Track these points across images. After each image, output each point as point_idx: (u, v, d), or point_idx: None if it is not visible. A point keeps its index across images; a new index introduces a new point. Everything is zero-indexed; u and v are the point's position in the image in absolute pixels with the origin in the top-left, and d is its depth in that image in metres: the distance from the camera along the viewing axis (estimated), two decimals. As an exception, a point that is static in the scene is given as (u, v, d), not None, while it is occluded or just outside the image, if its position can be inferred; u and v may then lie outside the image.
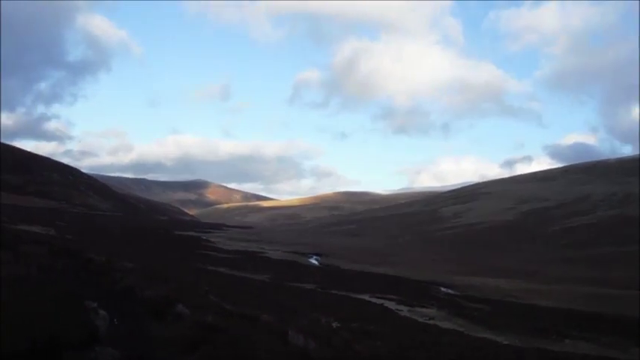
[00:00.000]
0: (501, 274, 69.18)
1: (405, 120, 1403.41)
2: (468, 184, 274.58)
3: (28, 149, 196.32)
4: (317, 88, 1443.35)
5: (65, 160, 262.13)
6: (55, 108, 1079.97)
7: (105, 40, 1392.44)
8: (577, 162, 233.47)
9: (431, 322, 32.63)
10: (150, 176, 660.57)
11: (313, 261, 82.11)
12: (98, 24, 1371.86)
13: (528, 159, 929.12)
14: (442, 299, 44.96)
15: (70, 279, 12.60)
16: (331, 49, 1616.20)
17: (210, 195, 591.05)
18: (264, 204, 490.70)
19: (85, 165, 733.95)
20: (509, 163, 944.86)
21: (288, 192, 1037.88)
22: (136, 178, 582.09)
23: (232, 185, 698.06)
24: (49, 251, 18.27)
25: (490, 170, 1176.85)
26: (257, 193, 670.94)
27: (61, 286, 9.14)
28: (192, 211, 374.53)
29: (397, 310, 36.61)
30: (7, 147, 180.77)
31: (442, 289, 55.02)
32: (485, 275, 68.42)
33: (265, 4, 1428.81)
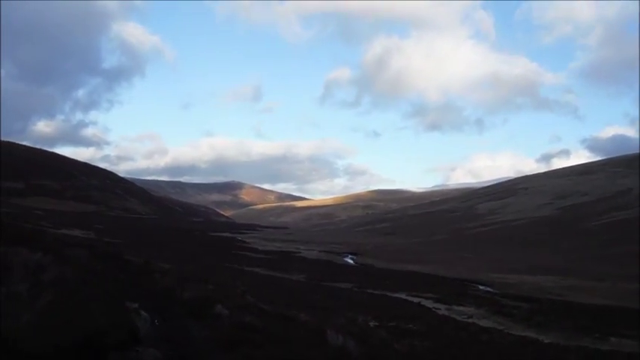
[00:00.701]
0: (540, 272, 67.77)
1: (438, 117, 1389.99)
2: (503, 180, 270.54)
3: (67, 155, 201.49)
4: (348, 86, 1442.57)
5: (103, 165, 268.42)
6: (93, 114, 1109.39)
7: (138, 46, 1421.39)
8: (617, 155, 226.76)
9: (470, 320, 32.14)
10: (185, 179, 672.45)
11: (348, 260, 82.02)
12: (132, 30, 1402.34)
13: (566, 153, 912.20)
14: (480, 297, 44.27)
15: (110, 280, 12.81)
16: (361, 47, 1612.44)
17: (245, 196, 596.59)
18: (298, 204, 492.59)
19: (121, 169, 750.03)
20: (546, 158, 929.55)
21: (321, 191, 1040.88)
22: (171, 181, 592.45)
23: (266, 186, 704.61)
24: (90, 254, 18.63)
25: (526, 165, 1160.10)
26: (291, 193, 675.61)
27: (102, 288, 9.27)
28: (227, 213, 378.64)
29: (435, 308, 36.22)
30: (47, 153, 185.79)
31: (480, 287, 54.23)
32: (524, 272, 67.15)
33: (294, 4, 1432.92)
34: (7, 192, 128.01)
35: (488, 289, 52.94)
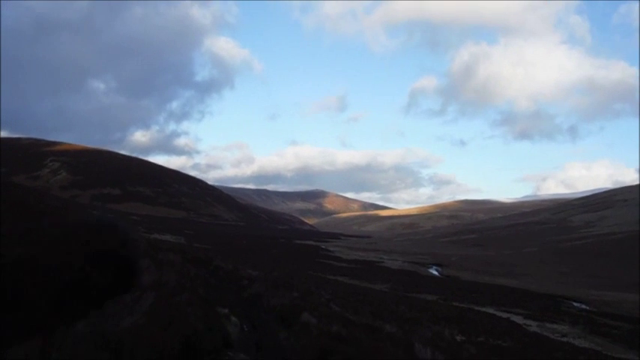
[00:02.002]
0: (642, 289, 63.37)
1: (528, 125, 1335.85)
2: (600, 191, 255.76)
3: (161, 164, 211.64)
4: (434, 95, 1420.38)
5: (193, 173, 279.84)
6: (185, 125, 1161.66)
7: (229, 59, 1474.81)
8: None
9: (564, 339, 30.49)
10: (270, 187, 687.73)
11: (433, 271, 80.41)
12: (223, 45, 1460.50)
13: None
14: (575, 315, 41.91)
15: (202, 285, 13.20)
16: (448, 55, 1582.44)
17: (329, 204, 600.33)
18: (382, 213, 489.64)
19: (210, 177, 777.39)
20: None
21: (405, 201, 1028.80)
22: (257, 189, 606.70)
23: (350, 195, 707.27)
24: (182, 259, 19.36)
25: (626, 175, 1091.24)
26: (374, 202, 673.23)
27: (195, 292, 9.56)
28: (310, 221, 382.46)
29: (525, 325, 34.66)
30: (142, 162, 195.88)
31: (574, 303, 51.43)
32: (623, 290, 63.05)
33: (381, 14, 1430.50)
34: (105, 197, 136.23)
35: (584, 306, 50.09)
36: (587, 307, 49.22)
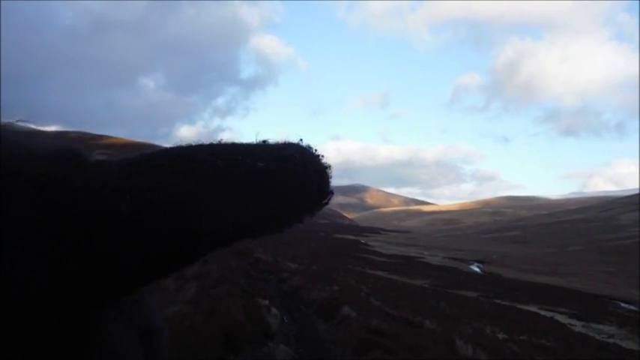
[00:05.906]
0: (695, 291, 61.00)
1: (573, 121, 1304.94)
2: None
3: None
4: (477, 91, 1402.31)
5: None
6: (229, 120, 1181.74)
7: (274, 57, 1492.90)
8: None
9: (610, 340, 29.58)
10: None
11: (474, 268, 79.31)
12: (268, 43, 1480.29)
13: None
14: (623, 316, 40.64)
15: (243, 277, 13.37)
16: (492, 52, 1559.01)
17: (369, 199, 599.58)
18: (423, 208, 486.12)
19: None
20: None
21: (447, 197, 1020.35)
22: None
23: (391, 190, 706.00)
24: (223, 250, 19.66)
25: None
26: (415, 197, 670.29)
27: (237, 284, 9.68)
28: (351, 215, 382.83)
29: (570, 324, 33.81)
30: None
31: (622, 304, 49.95)
32: (675, 291, 60.81)
33: (426, 12, 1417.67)
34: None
35: (632, 307, 48.55)
36: (636, 309, 47.69)
